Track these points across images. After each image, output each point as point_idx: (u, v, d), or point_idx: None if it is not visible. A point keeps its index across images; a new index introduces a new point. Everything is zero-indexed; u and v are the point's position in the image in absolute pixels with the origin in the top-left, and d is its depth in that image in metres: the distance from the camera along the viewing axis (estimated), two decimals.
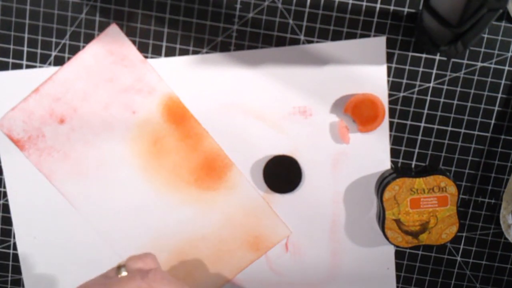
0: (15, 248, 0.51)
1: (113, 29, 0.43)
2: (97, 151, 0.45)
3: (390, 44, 0.48)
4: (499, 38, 0.47)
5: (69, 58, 0.49)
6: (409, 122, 0.49)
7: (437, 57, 0.48)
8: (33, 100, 0.43)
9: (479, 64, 0.48)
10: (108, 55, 0.44)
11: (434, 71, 0.48)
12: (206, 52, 0.48)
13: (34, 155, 0.44)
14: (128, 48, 0.44)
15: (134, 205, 0.47)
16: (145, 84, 0.45)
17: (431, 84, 0.48)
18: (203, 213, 0.48)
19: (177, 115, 0.46)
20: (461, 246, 0.51)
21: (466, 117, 0.49)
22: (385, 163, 0.49)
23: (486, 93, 0.48)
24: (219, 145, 0.47)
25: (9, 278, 0.52)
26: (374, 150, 0.49)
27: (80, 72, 0.44)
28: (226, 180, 0.48)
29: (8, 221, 0.51)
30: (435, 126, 0.49)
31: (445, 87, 0.48)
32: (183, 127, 0.46)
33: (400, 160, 0.50)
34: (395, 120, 0.49)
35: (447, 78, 0.48)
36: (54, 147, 0.44)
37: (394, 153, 0.49)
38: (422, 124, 0.49)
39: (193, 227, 0.48)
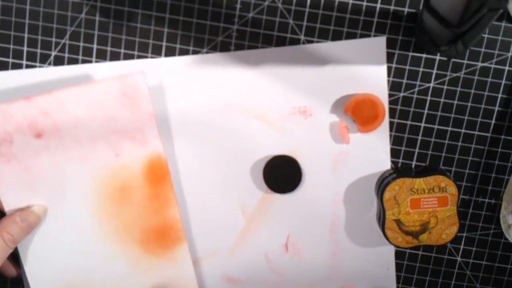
0: None
1: (139, 75, 0.42)
2: (61, 173, 0.43)
3: (390, 44, 0.48)
4: (500, 38, 0.47)
5: (69, 58, 0.49)
6: (409, 122, 0.49)
7: (437, 57, 0.48)
8: (20, 106, 0.41)
9: (479, 64, 0.48)
10: (121, 96, 0.42)
11: (434, 71, 0.48)
12: (206, 52, 0.48)
13: None
14: (143, 99, 0.43)
15: (70, 239, 0.45)
16: (142, 135, 0.44)
17: (431, 84, 0.48)
18: (135, 274, 0.47)
19: (157, 175, 0.45)
20: (461, 246, 0.51)
21: (466, 117, 0.49)
22: (385, 163, 0.49)
23: (486, 93, 0.48)
24: (181, 218, 0.46)
25: (9, 278, 0.52)
26: (374, 150, 0.49)
27: (84, 99, 0.42)
28: (172, 251, 0.47)
29: None
30: (435, 126, 0.49)
31: (445, 87, 0.48)
32: (157, 188, 0.45)
33: (400, 160, 0.50)
34: (395, 120, 0.49)
35: (447, 78, 0.48)
36: (18, 156, 0.42)
37: (394, 153, 0.49)
38: (422, 124, 0.49)
39: (120, 283, 0.46)
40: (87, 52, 0.49)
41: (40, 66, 0.49)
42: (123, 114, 0.43)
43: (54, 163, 0.43)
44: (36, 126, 0.42)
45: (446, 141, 0.49)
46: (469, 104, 0.48)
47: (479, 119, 0.49)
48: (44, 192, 0.43)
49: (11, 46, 0.49)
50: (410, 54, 0.48)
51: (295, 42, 0.48)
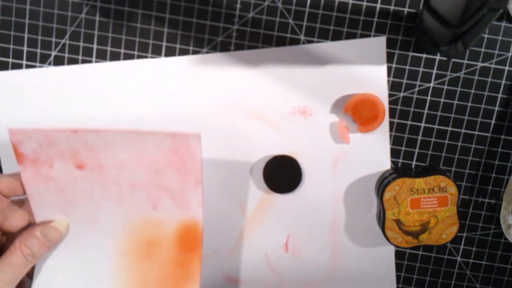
0: None
1: (195, 138, 0.40)
2: (95, 206, 0.42)
3: (390, 44, 0.48)
4: (499, 38, 0.47)
5: (69, 58, 0.49)
6: (409, 122, 0.49)
7: (437, 57, 0.48)
8: (65, 135, 0.40)
9: (479, 64, 0.48)
10: (171, 153, 0.40)
11: (434, 71, 0.48)
12: (206, 52, 0.48)
13: (28, 172, 0.40)
14: (193, 162, 0.41)
15: (83, 270, 0.44)
16: (183, 197, 0.41)
17: (431, 84, 0.48)
18: None
19: (189, 243, 0.42)
20: (461, 246, 0.51)
21: (466, 117, 0.49)
22: (385, 163, 0.49)
23: (486, 93, 0.48)
24: None
25: None
26: (374, 150, 0.49)
27: (132, 146, 0.40)
28: None
29: None
30: (435, 126, 0.49)
31: (445, 87, 0.48)
32: (185, 256, 0.43)
33: (400, 160, 0.50)
34: (395, 120, 0.49)
35: (447, 78, 0.48)
36: (55, 179, 0.41)
37: (394, 153, 0.49)
38: (422, 124, 0.49)
39: None
40: (87, 52, 0.49)
41: (40, 66, 0.49)
42: (169, 171, 0.41)
43: (91, 195, 0.42)
44: (78, 158, 0.41)
45: (446, 141, 0.49)
46: (469, 104, 0.48)
47: (479, 119, 0.49)
48: (75, 217, 0.42)
49: (11, 46, 0.49)
50: (410, 54, 0.48)
51: (295, 42, 0.48)
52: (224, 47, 0.48)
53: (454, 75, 0.48)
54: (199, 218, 0.42)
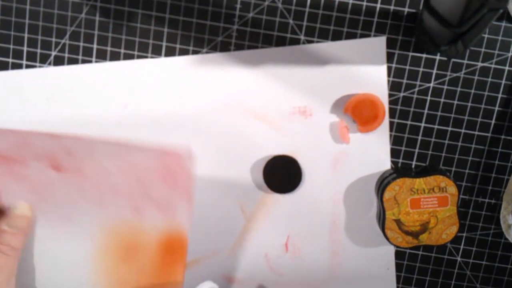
0: None
1: (187, 155, 0.38)
2: (72, 206, 0.40)
3: (390, 44, 0.48)
4: (500, 38, 0.47)
5: (69, 58, 0.49)
6: (409, 122, 0.49)
7: (437, 57, 0.48)
8: (42, 139, 0.38)
9: (480, 64, 0.48)
10: (162, 167, 0.39)
11: (434, 71, 0.48)
12: (206, 52, 0.48)
13: None
14: (185, 178, 0.39)
15: (59, 274, 0.42)
16: (169, 207, 0.40)
17: (431, 84, 0.48)
18: None
19: (173, 251, 0.41)
20: (461, 247, 0.51)
21: (466, 117, 0.49)
22: (385, 163, 0.49)
23: (486, 93, 0.48)
24: None
25: None
26: (374, 150, 0.49)
27: (117, 156, 0.39)
28: None
29: None
30: (435, 126, 0.49)
31: (445, 87, 0.48)
32: (167, 264, 0.41)
33: (400, 160, 0.50)
34: (395, 120, 0.49)
35: (447, 78, 0.48)
36: (29, 178, 0.39)
37: (394, 153, 0.49)
38: (422, 124, 0.49)
39: None
40: (87, 52, 0.49)
41: (40, 66, 0.49)
42: (156, 181, 0.40)
43: (68, 196, 0.40)
44: (55, 160, 0.39)
45: (446, 141, 0.49)
46: (469, 104, 0.48)
47: (479, 119, 0.49)
48: (50, 216, 0.41)
49: (11, 46, 0.49)
50: (410, 54, 0.48)
51: (295, 42, 0.48)
52: (224, 47, 0.48)
53: (454, 75, 0.48)
54: (184, 229, 0.41)
